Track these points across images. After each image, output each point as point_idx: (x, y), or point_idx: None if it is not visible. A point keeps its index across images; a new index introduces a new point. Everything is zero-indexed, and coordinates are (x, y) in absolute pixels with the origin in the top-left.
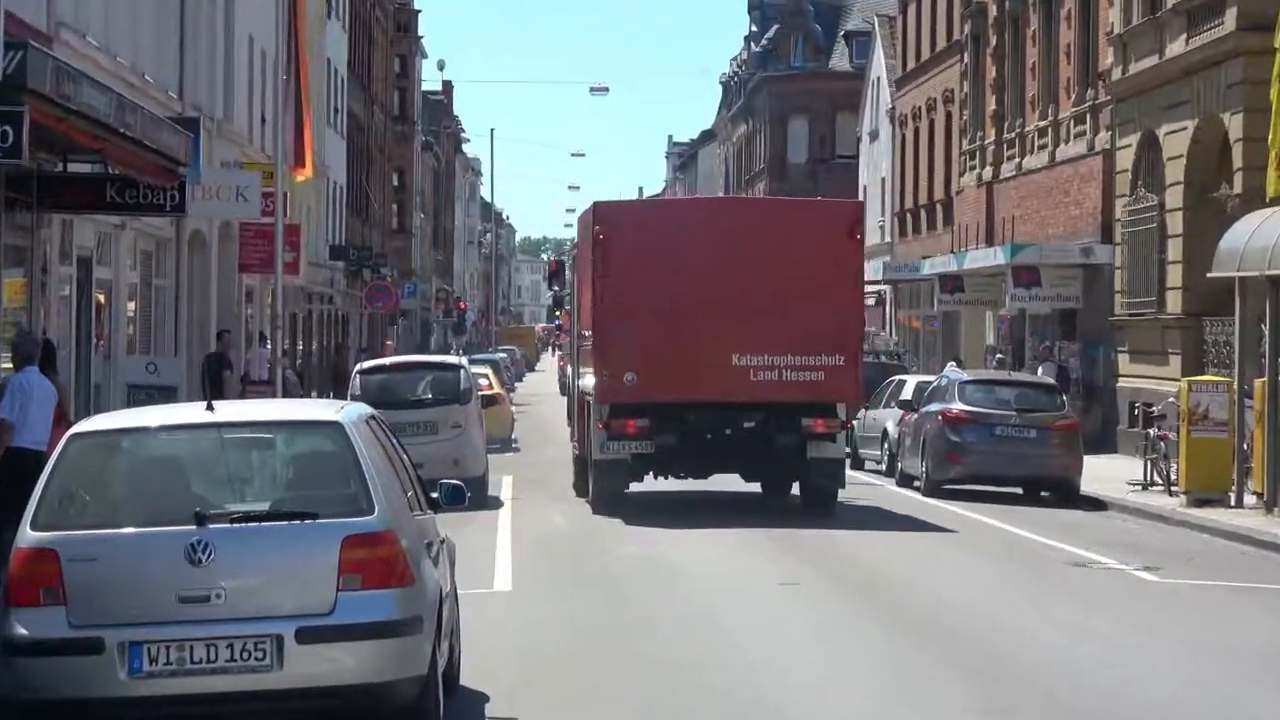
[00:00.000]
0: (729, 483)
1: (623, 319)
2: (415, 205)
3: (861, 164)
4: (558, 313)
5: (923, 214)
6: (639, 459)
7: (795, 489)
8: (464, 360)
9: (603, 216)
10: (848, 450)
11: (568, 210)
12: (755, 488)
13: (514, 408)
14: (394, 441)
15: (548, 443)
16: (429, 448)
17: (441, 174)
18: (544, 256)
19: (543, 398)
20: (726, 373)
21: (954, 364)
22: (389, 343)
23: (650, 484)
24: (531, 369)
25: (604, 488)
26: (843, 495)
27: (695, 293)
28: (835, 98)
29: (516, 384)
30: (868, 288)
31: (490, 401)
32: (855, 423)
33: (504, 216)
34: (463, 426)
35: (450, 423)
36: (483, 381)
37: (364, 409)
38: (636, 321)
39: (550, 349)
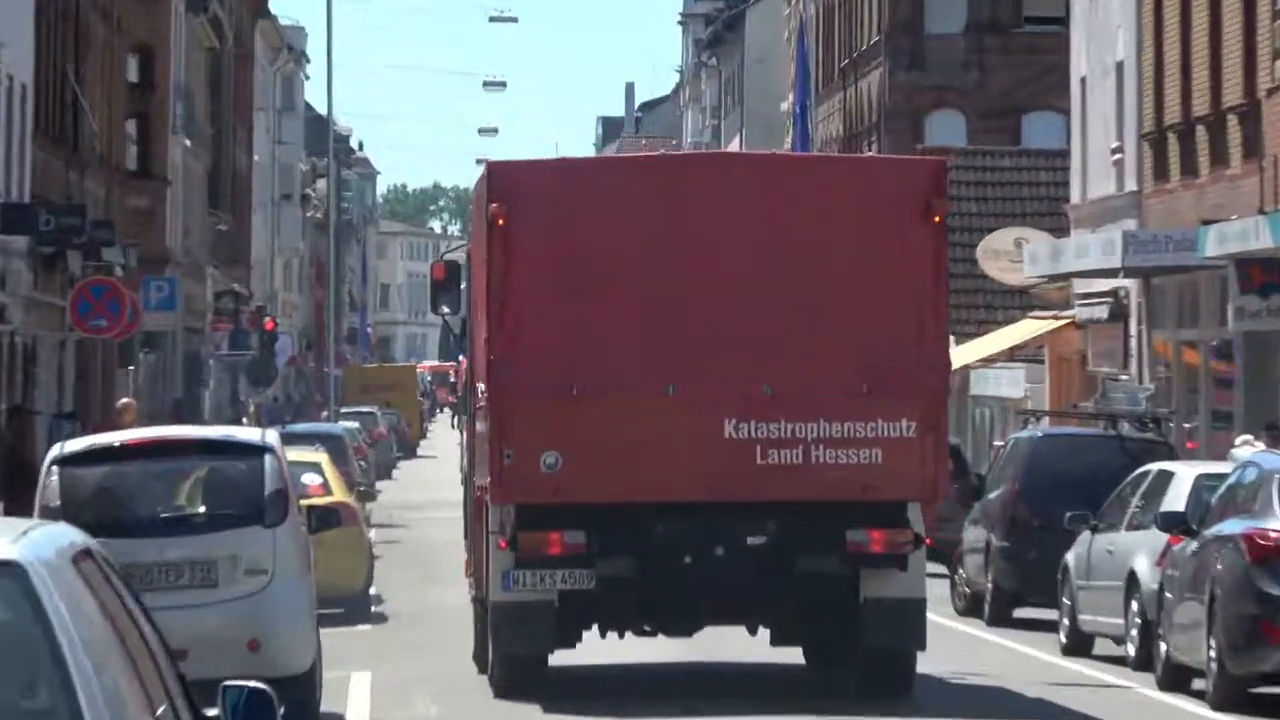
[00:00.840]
0: (738, 646)
1: (535, 358)
2: (174, 123)
3: (1074, 39)
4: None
5: (1200, 137)
6: (572, 602)
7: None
8: (271, 437)
9: (500, 187)
10: (1007, 587)
11: (478, 162)
12: (782, 653)
13: (374, 532)
14: (131, 603)
15: (439, 602)
16: (201, 615)
17: (227, 63)
18: (435, 227)
19: (433, 512)
20: (715, 452)
21: (1264, 438)
22: (124, 401)
23: (594, 647)
24: (411, 451)
25: (511, 653)
26: (937, 665)
27: (662, 317)
28: None
29: (379, 485)
30: (1093, 285)
31: (325, 521)
32: (1068, 561)
33: (356, 147)
34: (268, 572)
35: (243, 565)
36: (310, 480)
37: (69, 537)
38: (560, 363)
39: (448, 413)
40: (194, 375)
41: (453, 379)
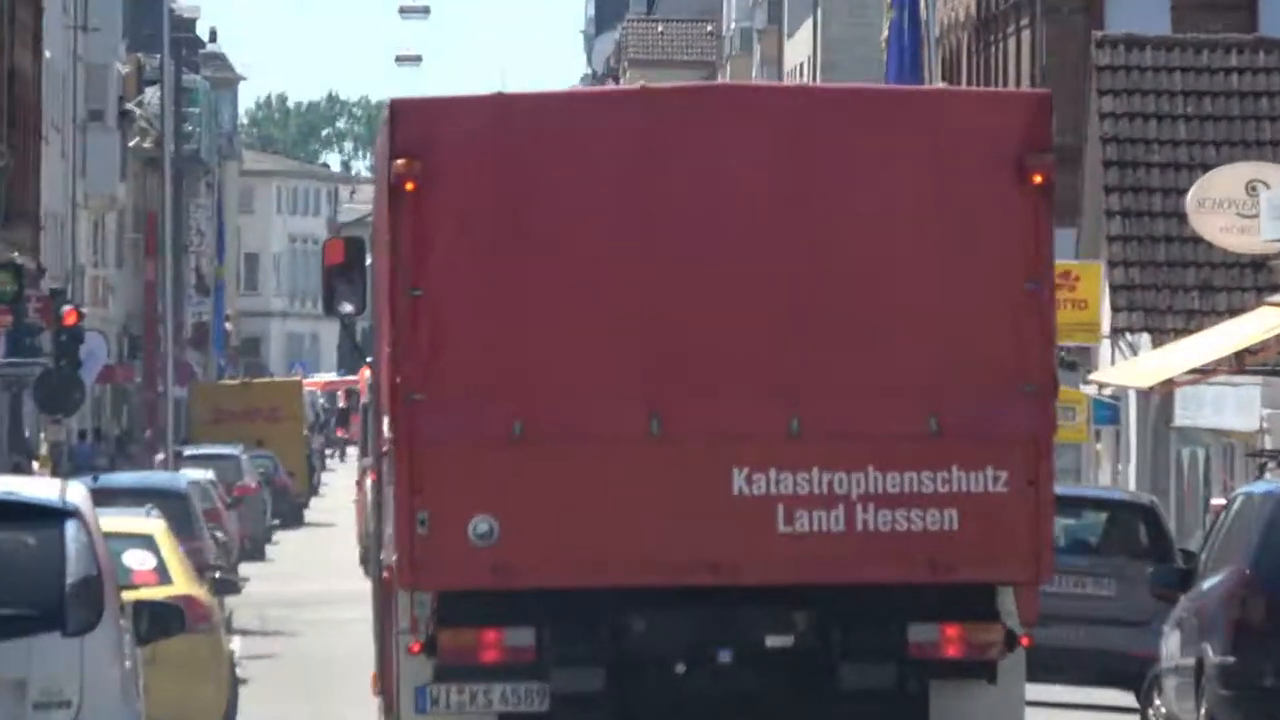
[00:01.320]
0: None
1: (461, 384)
2: None
3: None
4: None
5: None
6: None
7: None
8: (75, 494)
9: (411, 136)
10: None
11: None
12: None
13: (237, 642)
14: None
15: None
16: None
17: None
18: (331, 163)
19: (329, 610)
20: (720, 513)
21: None
22: None
23: None
24: (295, 514)
25: None
26: None
27: (640, 321)
28: None
29: (244, 569)
30: None
31: (162, 625)
32: None
33: (207, 37)
34: (72, 705)
35: (32, 694)
36: (137, 563)
37: None
38: (495, 390)
39: (353, 456)
40: None
41: (362, 400)
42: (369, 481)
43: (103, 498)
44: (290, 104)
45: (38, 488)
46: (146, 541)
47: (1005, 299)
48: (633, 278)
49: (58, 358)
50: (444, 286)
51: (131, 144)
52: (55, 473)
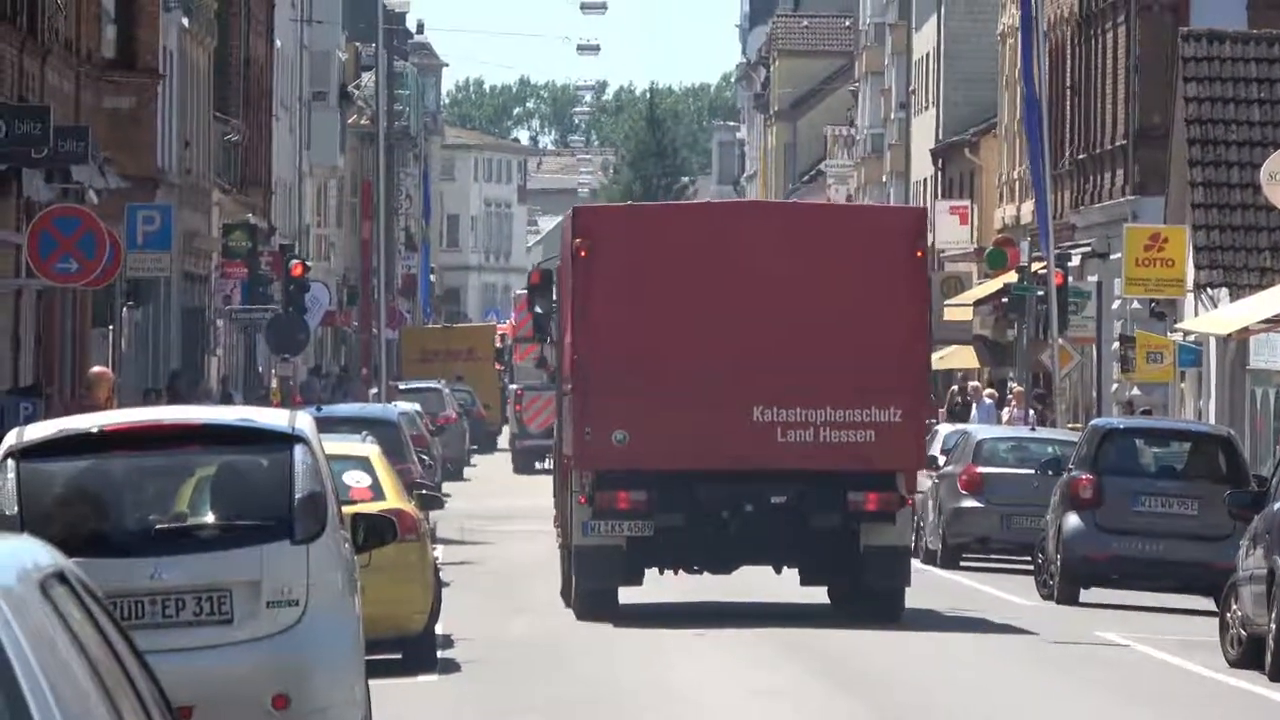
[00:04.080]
0: (783, 589)
1: (609, 359)
2: None
3: None
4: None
5: None
6: (636, 546)
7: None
8: (302, 422)
9: (584, 226)
10: None
11: (580, 88)
12: (816, 594)
13: (440, 550)
14: (120, 645)
15: (528, 643)
16: (211, 661)
17: None
18: (521, 138)
19: (521, 523)
20: (746, 432)
21: None
22: (97, 370)
23: (656, 588)
24: (490, 441)
25: (589, 586)
26: (934, 601)
27: (704, 326)
28: None
29: (446, 488)
30: None
31: (376, 535)
32: None
33: (415, 29)
34: (300, 604)
35: (266, 594)
36: (355, 481)
37: (33, 556)
38: (627, 363)
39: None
40: (195, 338)
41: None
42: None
43: (325, 426)
44: (486, 87)
45: (270, 416)
46: (363, 463)
47: (904, 317)
48: (701, 304)
49: (286, 305)
50: (600, 307)
51: (350, 121)
52: (284, 404)
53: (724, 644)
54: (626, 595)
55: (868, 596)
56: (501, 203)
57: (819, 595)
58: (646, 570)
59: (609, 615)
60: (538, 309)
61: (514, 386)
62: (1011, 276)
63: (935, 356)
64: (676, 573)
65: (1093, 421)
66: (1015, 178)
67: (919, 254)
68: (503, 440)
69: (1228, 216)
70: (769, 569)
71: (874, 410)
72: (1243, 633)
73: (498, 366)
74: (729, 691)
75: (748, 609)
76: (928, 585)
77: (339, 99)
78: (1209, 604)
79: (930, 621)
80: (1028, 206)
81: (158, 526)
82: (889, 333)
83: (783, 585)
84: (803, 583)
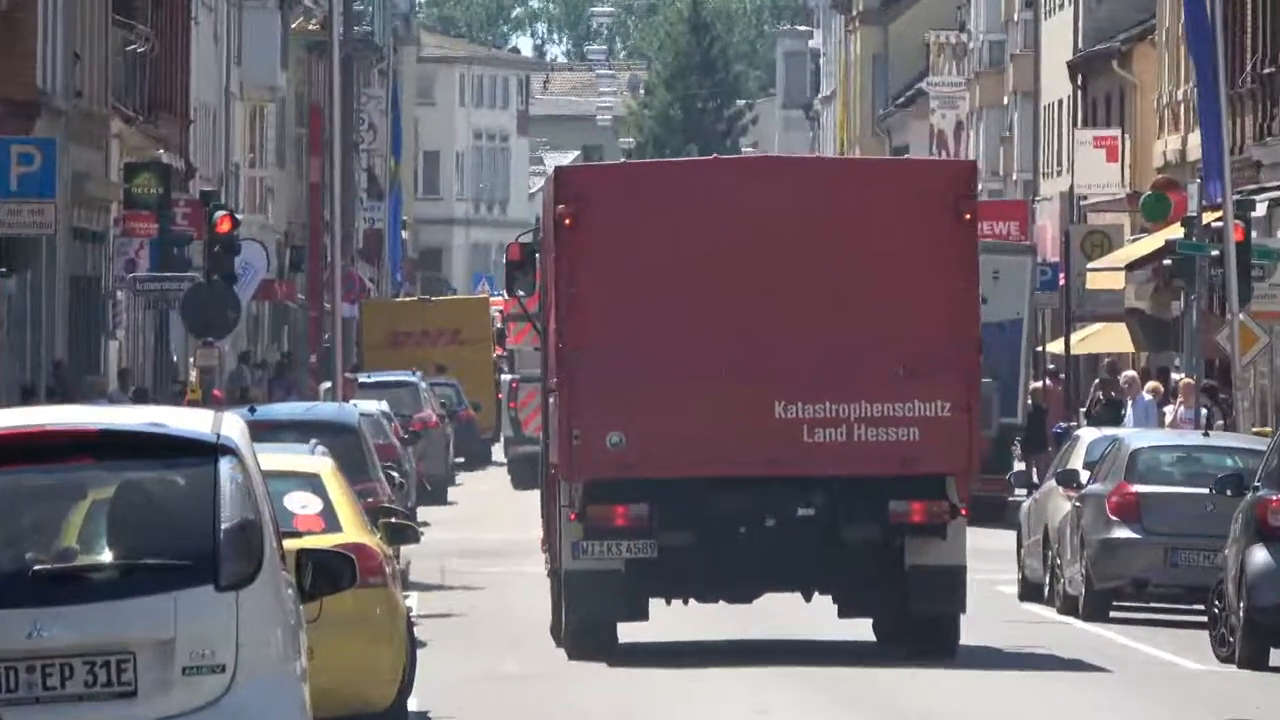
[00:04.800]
0: (819, 622)
1: (601, 346)
2: None
3: None
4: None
5: None
6: (637, 571)
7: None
8: (230, 427)
9: (568, 190)
10: None
11: None
12: (859, 628)
13: (415, 598)
14: None
15: None
16: None
17: None
18: (523, 48)
19: (521, 562)
20: (766, 431)
21: None
22: None
23: (665, 622)
24: (483, 451)
25: (581, 618)
26: (996, 637)
27: (715, 307)
28: None
29: (424, 514)
30: None
31: (329, 578)
32: None
33: None
34: (226, 669)
35: (182, 656)
36: (302, 506)
37: None
38: (622, 352)
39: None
40: (90, 316)
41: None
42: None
43: (262, 431)
44: None
45: (187, 420)
46: (312, 482)
47: (948, 292)
48: (710, 279)
49: (209, 271)
50: (589, 285)
51: (294, 26)
52: (206, 404)
53: (741, 690)
54: (628, 631)
55: (915, 627)
56: (497, 134)
57: (863, 630)
58: (651, 600)
59: (605, 654)
60: (520, 290)
61: (508, 377)
62: (1176, 230)
63: (1075, 337)
64: (686, 602)
65: None
66: (1180, 99)
67: (968, 216)
68: (499, 451)
69: None
70: (797, 596)
71: (917, 403)
72: None
73: (498, 351)
74: None
75: (775, 647)
76: (1064, 643)
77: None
78: None
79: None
80: (1196, 138)
81: (37, 568)
82: (933, 312)
83: (817, 616)
84: (841, 614)
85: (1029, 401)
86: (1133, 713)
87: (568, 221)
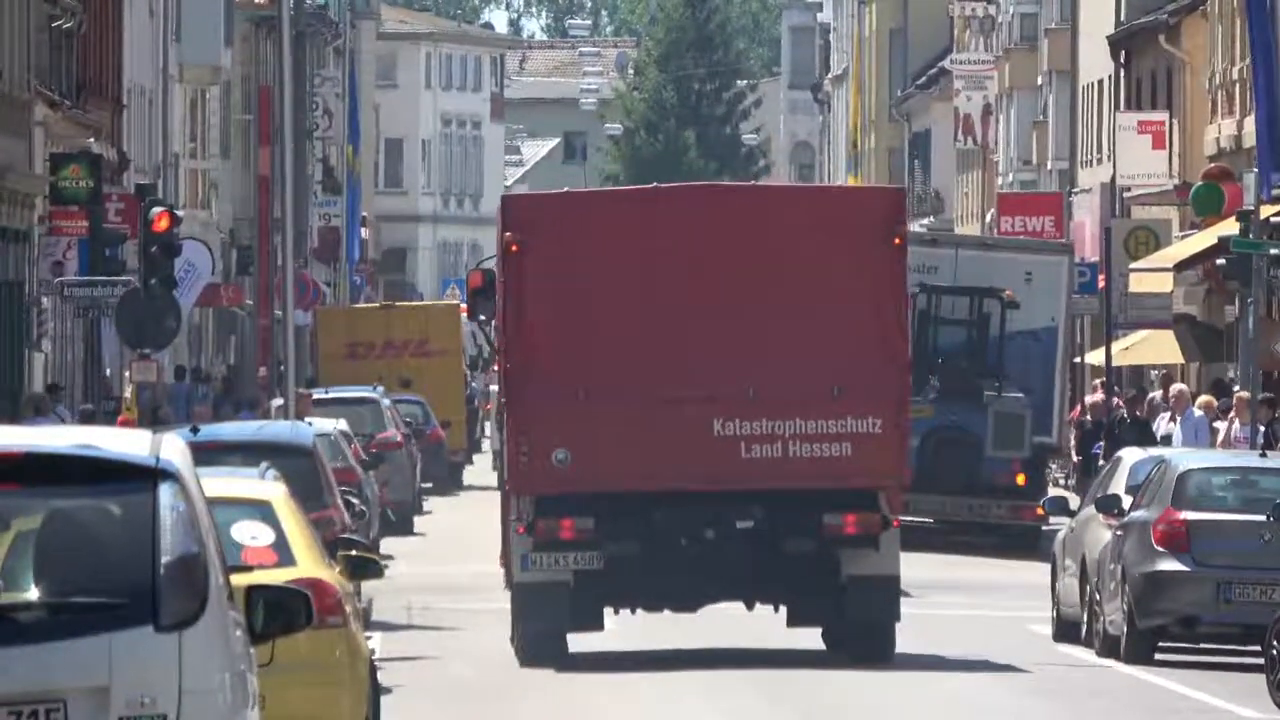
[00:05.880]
0: (755, 630)
1: (546, 367)
2: None
3: None
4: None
5: None
6: (586, 582)
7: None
8: (171, 449)
9: (514, 218)
10: None
11: None
12: (808, 638)
13: (377, 639)
14: None
15: None
16: None
17: None
18: (497, 23)
19: (497, 598)
20: (705, 447)
21: None
22: None
23: (620, 632)
24: (454, 475)
25: (533, 626)
26: (1023, 685)
27: (655, 329)
28: None
29: (388, 545)
30: None
31: (283, 618)
32: None
33: None
34: (168, 718)
35: (118, 705)
36: (251, 538)
37: None
38: (567, 372)
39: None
40: (11, 325)
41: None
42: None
43: (206, 454)
44: None
45: (123, 442)
46: (262, 510)
47: (879, 314)
48: (651, 303)
49: (146, 275)
50: (535, 309)
51: None
52: (144, 423)
53: (694, 693)
54: (580, 641)
55: (854, 634)
56: (468, 120)
57: (812, 638)
58: (600, 609)
59: (555, 662)
60: (481, 315)
61: (488, 386)
62: (1230, 226)
63: (1117, 347)
64: (634, 611)
65: None
66: (1235, 79)
67: (897, 241)
68: (471, 474)
69: None
70: (744, 607)
71: (850, 420)
72: None
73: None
74: None
75: (724, 655)
76: (1104, 689)
77: None
78: None
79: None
80: (1252, 122)
81: None
82: (865, 332)
83: (772, 626)
84: (790, 623)
85: (1087, 416)
86: None
87: (514, 248)
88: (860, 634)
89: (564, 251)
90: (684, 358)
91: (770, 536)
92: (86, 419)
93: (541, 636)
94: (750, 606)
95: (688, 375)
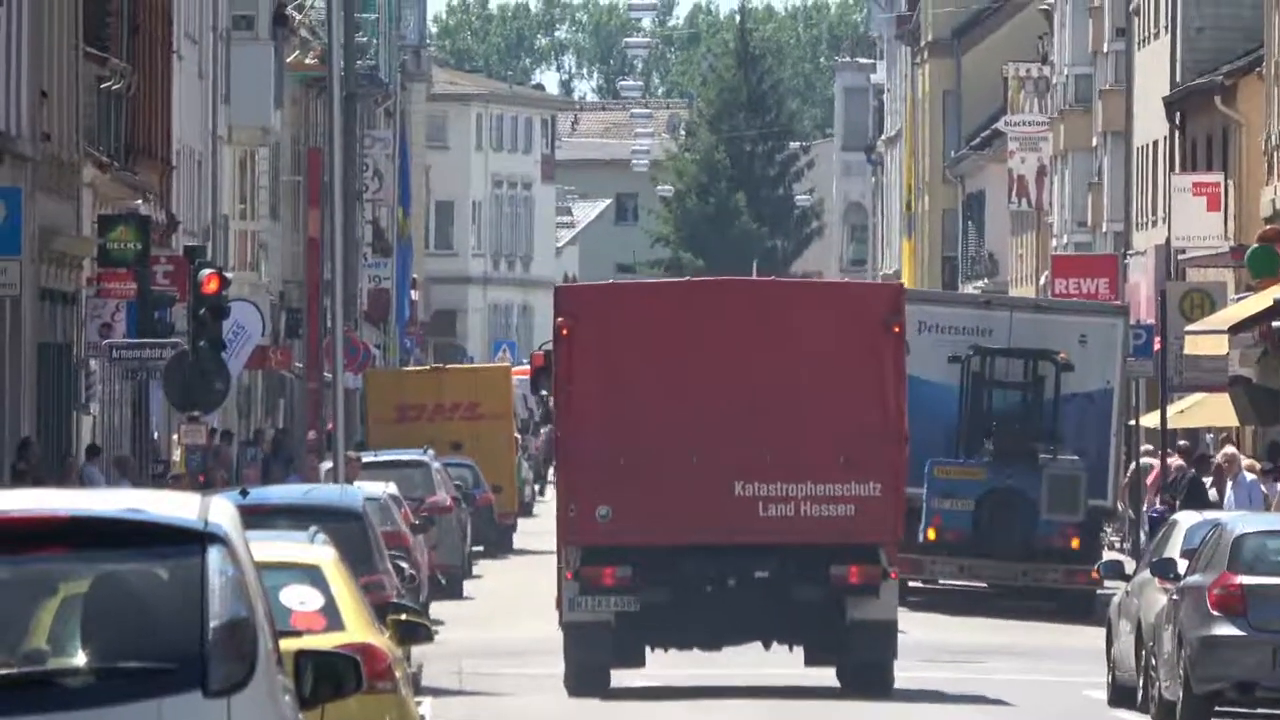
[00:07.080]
0: (776, 670)
1: (592, 435)
2: None
3: None
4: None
5: None
6: (627, 623)
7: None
8: (220, 513)
9: (565, 305)
10: None
11: (635, 6)
12: (824, 676)
13: (429, 705)
14: None
15: None
16: None
17: None
18: (549, 85)
19: (550, 663)
20: (727, 506)
21: None
22: None
23: (657, 669)
24: (503, 539)
25: (580, 660)
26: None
27: (685, 403)
28: None
29: (438, 610)
30: None
31: (333, 682)
32: None
33: None
34: None
35: None
36: (300, 603)
37: None
38: (610, 439)
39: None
40: (60, 387)
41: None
42: None
43: (255, 518)
44: (493, 6)
45: (171, 505)
46: (311, 574)
47: (880, 394)
48: (680, 380)
49: (195, 337)
50: (582, 385)
51: (290, 60)
52: (194, 487)
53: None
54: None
55: (857, 672)
56: (519, 181)
57: (828, 677)
58: (638, 650)
59: (600, 693)
60: (542, 390)
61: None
62: None
63: (1173, 410)
64: (667, 650)
65: None
66: None
67: (895, 329)
68: (520, 539)
69: None
70: (774, 648)
71: (854, 485)
72: None
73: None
74: None
75: (748, 690)
76: None
77: (272, 27)
78: None
79: None
80: None
81: (2, 672)
82: (868, 408)
83: (793, 666)
84: (807, 663)
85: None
86: None
87: (565, 332)
88: (863, 671)
89: (608, 335)
90: (710, 429)
91: (784, 585)
92: (120, 466)
93: (586, 670)
94: (767, 646)
95: (713, 444)
